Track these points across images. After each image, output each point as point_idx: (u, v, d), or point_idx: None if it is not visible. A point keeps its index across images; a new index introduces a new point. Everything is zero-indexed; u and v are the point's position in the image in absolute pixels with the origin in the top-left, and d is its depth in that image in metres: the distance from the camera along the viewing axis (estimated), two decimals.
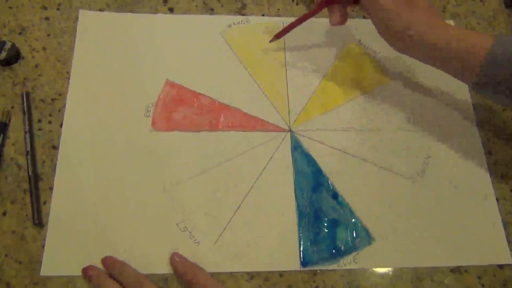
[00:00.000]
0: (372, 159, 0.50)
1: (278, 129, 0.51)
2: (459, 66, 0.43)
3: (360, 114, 0.52)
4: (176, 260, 0.43)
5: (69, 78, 0.50)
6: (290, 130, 0.51)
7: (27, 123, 0.48)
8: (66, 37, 0.53)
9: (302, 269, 0.45)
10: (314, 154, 0.50)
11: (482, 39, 0.41)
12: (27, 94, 0.49)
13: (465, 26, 0.59)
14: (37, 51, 0.52)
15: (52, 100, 0.50)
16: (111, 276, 0.42)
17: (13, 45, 0.50)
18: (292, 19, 0.57)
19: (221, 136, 0.50)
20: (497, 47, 0.40)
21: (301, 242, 0.46)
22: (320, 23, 0.57)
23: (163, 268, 0.43)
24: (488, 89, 0.42)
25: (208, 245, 0.45)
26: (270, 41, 0.54)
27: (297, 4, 0.58)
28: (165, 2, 0.56)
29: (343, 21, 0.49)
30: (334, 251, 0.46)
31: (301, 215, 0.47)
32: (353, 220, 0.47)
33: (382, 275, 0.45)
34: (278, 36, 0.53)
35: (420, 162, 0.50)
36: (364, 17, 0.58)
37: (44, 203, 0.45)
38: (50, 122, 0.49)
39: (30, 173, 0.46)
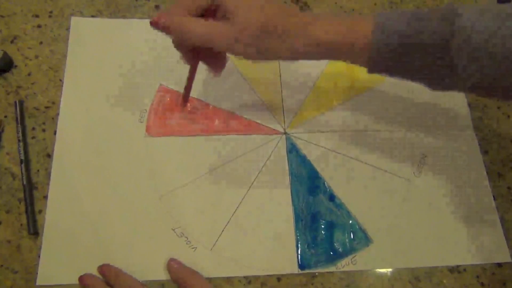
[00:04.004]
0: (368, 160, 0.50)
1: (273, 131, 0.51)
2: (347, 60, 0.42)
3: (354, 115, 0.52)
4: (172, 266, 0.43)
5: (62, 86, 0.50)
6: (285, 133, 0.51)
7: (20, 131, 0.47)
8: (58, 44, 0.53)
9: (300, 272, 0.44)
10: (309, 156, 0.50)
11: (358, 33, 0.38)
12: (21, 103, 0.49)
13: None
14: (30, 59, 0.52)
15: (46, 108, 0.49)
16: (108, 283, 0.42)
17: (5, 53, 0.50)
18: None
19: (215, 140, 0.50)
20: (378, 38, 0.37)
21: (299, 245, 0.45)
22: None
23: (160, 274, 0.43)
24: (383, 73, 0.41)
25: (204, 250, 0.44)
26: (182, 110, 0.51)
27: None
28: (157, 7, 0.56)
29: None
30: (332, 253, 0.45)
31: (298, 217, 0.47)
32: (350, 221, 0.47)
33: (380, 276, 0.45)
34: (185, 100, 0.49)
35: (416, 161, 0.50)
36: None
37: (39, 212, 0.45)
38: (44, 130, 0.48)
39: (24, 182, 0.45)
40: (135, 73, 0.52)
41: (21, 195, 0.45)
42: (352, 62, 0.41)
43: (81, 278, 0.42)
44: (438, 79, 0.39)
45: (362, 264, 0.45)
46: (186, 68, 0.52)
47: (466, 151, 0.51)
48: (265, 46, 0.38)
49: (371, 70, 0.41)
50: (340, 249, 0.46)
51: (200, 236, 0.45)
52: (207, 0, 0.39)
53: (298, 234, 0.46)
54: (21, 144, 0.47)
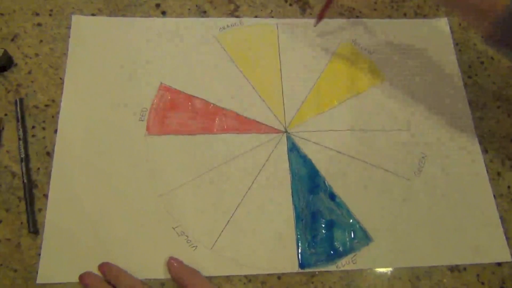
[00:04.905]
0: (368, 159, 0.50)
1: (273, 130, 0.51)
2: (477, 17, 0.44)
3: (355, 114, 0.52)
4: (172, 264, 0.43)
5: (62, 84, 0.50)
6: (286, 132, 0.51)
7: (20, 130, 0.47)
8: (58, 43, 0.52)
9: (300, 271, 0.44)
10: (310, 155, 0.50)
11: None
12: (21, 101, 0.49)
13: (458, 24, 0.59)
14: (30, 58, 0.51)
15: (46, 106, 0.49)
16: (108, 282, 0.42)
17: (5, 51, 0.50)
18: (285, 20, 0.57)
19: (216, 139, 0.49)
20: None
21: (299, 244, 0.45)
22: (313, 24, 0.57)
23: (160, 273, 0.43)
24: (501, 43, 0.43)
25: (205, 249, 0.44)
26: (315, 25, 0.56)
27: (290, 5, 0.58)
28: (158, 6, 0.56)
29: None
30: (332, 252, 0.45)
31: (298, 217, 0.47)
32: (351, 220, 0.47)
33: (380, 275, 0.45)
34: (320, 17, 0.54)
35: (416, 161, 0.50)
36: (357, 17, 0.58)
37: (39, 210, 0.45)
38: (44, 129, 0.48)
39: (24, 181, 0.45)
40: (135, 71, 0.52)
41: (21, 193, 0.45)
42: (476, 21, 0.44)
43: (81, 277, 0.42)
44: None
45: (362, 263, 0.45)
46: (186, 67, 0.53)
47: (466, 151, 0.51)
48: None
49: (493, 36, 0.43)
50: (340, 248, 0.46)
51: (200, 235, 0.45)
52: None
53: (298, 233, 0.46)
54: (21, 142, 0.47)
